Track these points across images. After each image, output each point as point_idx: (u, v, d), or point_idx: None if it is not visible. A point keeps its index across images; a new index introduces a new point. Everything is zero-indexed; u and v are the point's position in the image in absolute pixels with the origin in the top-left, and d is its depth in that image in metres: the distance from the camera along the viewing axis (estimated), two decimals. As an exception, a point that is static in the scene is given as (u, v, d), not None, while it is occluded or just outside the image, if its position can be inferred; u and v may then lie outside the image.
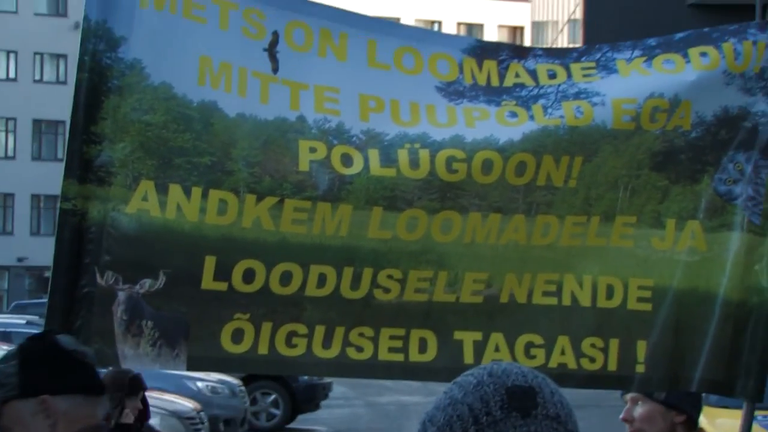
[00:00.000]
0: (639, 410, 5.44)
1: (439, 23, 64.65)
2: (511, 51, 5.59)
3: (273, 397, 24.60)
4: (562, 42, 47.81)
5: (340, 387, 29.01)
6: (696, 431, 5.52)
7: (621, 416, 5.47)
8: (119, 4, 5.05)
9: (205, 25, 5.15)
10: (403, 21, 61.71)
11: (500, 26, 66.19)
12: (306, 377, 23.95)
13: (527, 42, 59.69)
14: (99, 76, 5.01)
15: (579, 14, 45.07)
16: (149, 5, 5.08)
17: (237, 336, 5.15)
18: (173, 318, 5.10)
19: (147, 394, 19.24)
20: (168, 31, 5.09)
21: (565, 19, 48.88)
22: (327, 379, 25.51)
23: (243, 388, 22.39)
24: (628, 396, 5.51)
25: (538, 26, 56.05)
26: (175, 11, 5.11)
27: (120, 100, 5.02)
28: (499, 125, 5.31)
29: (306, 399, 24.98)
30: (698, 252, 5.48)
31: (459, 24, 65.18)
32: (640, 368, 5.46)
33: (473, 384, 2.44)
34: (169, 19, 5.10)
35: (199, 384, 21.23)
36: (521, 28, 65.77)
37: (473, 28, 64.96)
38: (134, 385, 8.40)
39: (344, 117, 5.23)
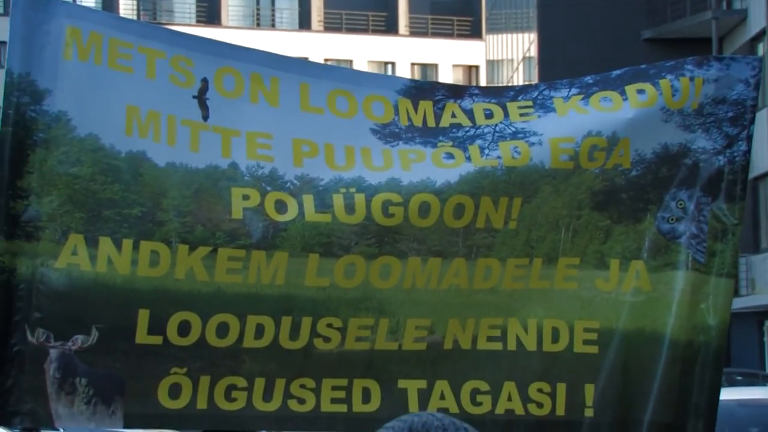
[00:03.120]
0: None
1: (393, 64, 64.87)
2: (447, 91, 5.63)
3: (229, 453, 24.31)
4: (518, 80, 48.11)
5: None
6: None
7: None
8: (42, 57, 5.05)
9: (132, 74, 5.16)
10: (355, 63, 61.80)
11: (455, 66, 66.45)
12: None
13: (483, 81, 60.02)
14: (24, 130, 5.01)
15: (534, 52, 45.40)
16: (73, 57, 5.08)
17: (174, 391, 5.13)
18: (108, 374, 5.07)
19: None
20: (93, 82, 5.10)
21: (520, 57, 49.21)
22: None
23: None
24: None
25: (493, 65, 56.35)
26: (100, 62, 5.12)
27: (46, 153, 5.02)
28: (436, 167, 5.33)
29: (263, 454, 24.71)
30: (643, 292, 5.51)
31: (413, 65, 65.42)
32: (588, 412, 5.47)
33: None
34: (94, 69, 5.11)
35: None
36: (476, 67, 66.05)
37: (427, 69, 65.21)
38: None
39: (277, 163, 5.24)
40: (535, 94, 5.61)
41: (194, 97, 5.24)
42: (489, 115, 5.51)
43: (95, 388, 5.04)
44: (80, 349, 5.01)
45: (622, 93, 5.51)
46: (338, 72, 5.65)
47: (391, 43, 66.84)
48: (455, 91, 5.64)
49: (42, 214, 5.00)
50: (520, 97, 5.59)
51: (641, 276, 5.50)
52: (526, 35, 47.90)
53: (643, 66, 5.66)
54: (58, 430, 17.98)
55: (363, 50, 65.58)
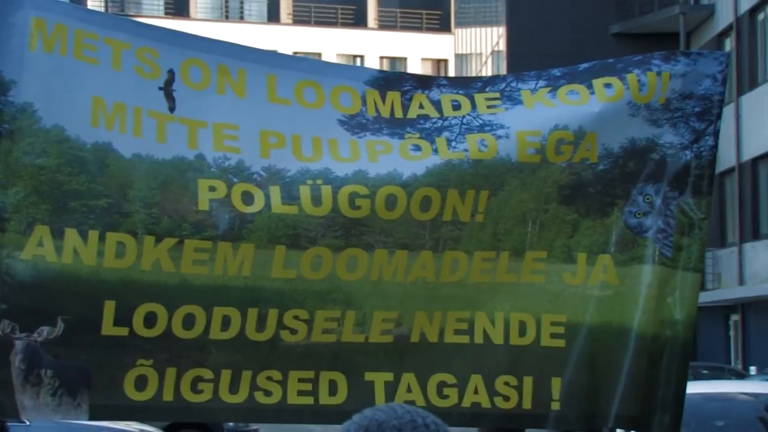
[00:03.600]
0: None
1: (362, 57, 64.82)
2: (415, 81, 5.62)
3: (197, 446, 24.31)
4: (487, 74, 48.19)
5: (267, 434, 28.75)
6: None
7: None
8: (7, 48, 5.02)
9: (97, 65, 5.14)
10: (324, 57, 61.61)
11: (423, 59, 66.51)
12: (232, 425, 23.73)
13: (451, 75, 60.06)
14: None
15: (502, 46, 45.48)
16: (38, 48, 5.06)
17: (141, 383, 5.12)
18: (73, 366, 5.05)
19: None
20: (59, 73, 5.08)
21: (489, 51, 49.28)
22: (253, 426, 25.30)
23: (165, 438, 22.14)
24: None
25: (461, 59, 56.44)
26: (65, 53, 5.10)
27: (11, 144, 5.00)
28: (403, 159, 5.33)
29: (232, 447, 24.70)
30: (610, 286, 5.53)
31: (382, 58, 65.42)
32: (555, 406, 5.49)
33: None
34: (60, 61, 5.08)
35: (118, 436, 20.93)
36: (445, 61, 66.13)
37: (396, 62, 65.21)
38: None
39: (244, 154, 5.23)
40: (503, 85, 5.61)
41: (160, 88, 5.23)
42: (456, 107, 5.52)
43: (61, 380, 5.03)
44: (46, 341, 4.99)
45: (589, 87, 5.52)
46: (306, 63, 5.64)
47: (360, 37, 66.84)
48: (423, 82, 5.64)
49: (7, 205, 4.98)
50: (487, 89, 5.59)
51: (608, 270, 5.52)
52: (494, 29, 47.99)
53: (611, 60, 5.67)
54: (23, 422, 17.93)
55: (332, 43, 65.54)
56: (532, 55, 40.13)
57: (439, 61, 67.83)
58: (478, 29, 52.32)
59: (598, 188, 5.52)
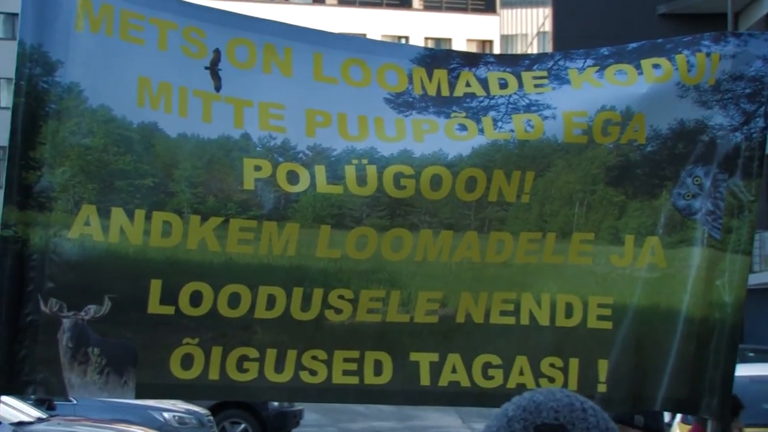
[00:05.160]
0: None
1: (407, 38, 64.68)
2: (462, 59, 5.58)
3: (243, 426, 24.43)
4: (533, 56, 47.93)
5: (311, 414, 28.86)
6: None
7: None
8: (54, 28, 5.03)
9: (143, 45, 5.14)
10: (369, 38, 61.60)
11: (469, 40, 66.28)
12: (276, 404, 23.86)
13: (497, 56, 59.72)
14: (36, 101, 5.00)
15: (548, 26, 45.23)
16: (85, 28, 5.06)
17: (186, 361, 5.13)
18: (120, 344, 5.07)
19: (113, 426, 19.03)
20: (105, 54, 5.08)
21: (534, 32, 49.04)
22: (298, 406, 25.42)
23: (211, 417, 22.24)
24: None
25: (507, 39, 56.18)
26: (111, 33, 5.10)
27: (58, 124, 5.01)
28: (448, 139, 5.30)
29: (277, 427, 24.81)
30: (658, 268, 5.49)
31: (427, 39, 65.25)
32: (601, 388, 5.46)
33: (507, 418, 2.44)
34: (106, 41, 5.08)
35: (166, 415, 21.07)
36: (490, 42, 65.89)
37: (441, 43, 65.02)
38: None
39: (290, 133, 5.22)
40: (551, 64, 5.57)
41: (206, 68, 5.22)
42: (503, 85, 5.48)
43: (108, 358, 5.05)
44: (93, 319, 5.01)
45: (638, 67, 5.47)
46: (352, 41, 5.61)
47: (405, 17, 66.72)
48: (470, 60, 5.60)
49: (54, 184, 4.99)
50: (535, 67, 5.55)
51: (656, 252, 5.48)
52: (540, 10, 47.72)
53: (660, 40, 5.61)
54: (70, 400, 18.07)
55: (377, 25, 65.45)
56: (577, 36, 39.86)
57: (484, 42, 67.60)
58: (523, 10, 52.06)
59: (646, 170, 5.48)
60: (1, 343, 4.95)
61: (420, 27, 66.78)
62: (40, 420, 17.12)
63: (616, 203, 5.47)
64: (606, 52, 5.58)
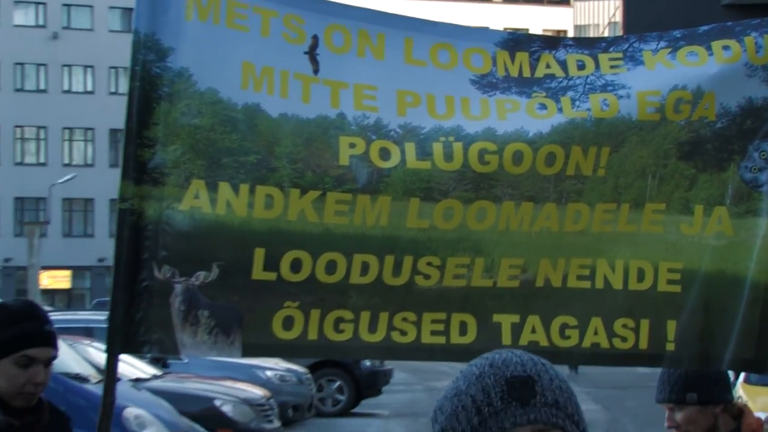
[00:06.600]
0: (679, 415, 5.37)
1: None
2: (543, 42, 5.52)
3: (338, 383, 24.64)
4: (604, 44, 47.60)
5: (400, 373, 29.00)
6: (737, 410, 5.45)
7: (666, 425, 5.40)
8: (166, 18, 5.06)
9: (248, 32, 5.15)
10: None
11: (544, 30, 65.95)
12: (368, 364, 24.00)
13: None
14: (150, 85, 5.03)
15: (619, 17, 44.73)
16: (194, 18, 5.08)
17: (287, 323, 5.14)
18: (227, 307, 5.09)
19: (220, 383, 19.24)
20: (212, 41, 5.10)
21: (606, 22, 48.56)
22: (388, 366, 25.54)
23: (309, 375, 22.48)
24: (664, 405, 5.43)
25: (580, 29, 55.76)
26: (218, 22, 5.12)
27: (170, 106, 5.03)
28: (530, 117, 5.24)
29: (369, 385, 25.00)
30: (725, 236, 5.39)
31: (505, 29, 65.12)
32: (670, 347, 5.38)
33: (476, 375, 2.46)
34: (213, 29, 5.10)
35: (269, 373, 21.34)
36: (564, 32, 65.41)
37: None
38: None
39: (382, 113, 5.20)
40: (626, 46, 5.48)
41: (305, 52, 5.22)
42: (581, 67, 5.40)
43: (216, 320, 5.07)
44: (202, 284, 5.03)
45: (708, 48, 5.37)
46: (440, 27, 5.57)
47: (485, 10, 66.50)
48: (550, 42, 5.53)
49: (167, 161, 5.02)
50: (611, 49, 5.47)
51: (723, 221, 5.38)
52: (611, 1, 47.25)
53: (729, 23, 5.51)
54: (181, 359, 18.31)
55: (457, 16, 65.30)
56: (647, 27, 39.38)
57: (558, 32, 67.16)
58: (595, 2, 51.61)
59: (715, 144, 5.37)
60: (120, 307, 5.00)
61: (499, 18, 66.56)
62: (155, 377, 17.40)
63: (687, 176, 5.38)
64: (678, 35, 5.48)
